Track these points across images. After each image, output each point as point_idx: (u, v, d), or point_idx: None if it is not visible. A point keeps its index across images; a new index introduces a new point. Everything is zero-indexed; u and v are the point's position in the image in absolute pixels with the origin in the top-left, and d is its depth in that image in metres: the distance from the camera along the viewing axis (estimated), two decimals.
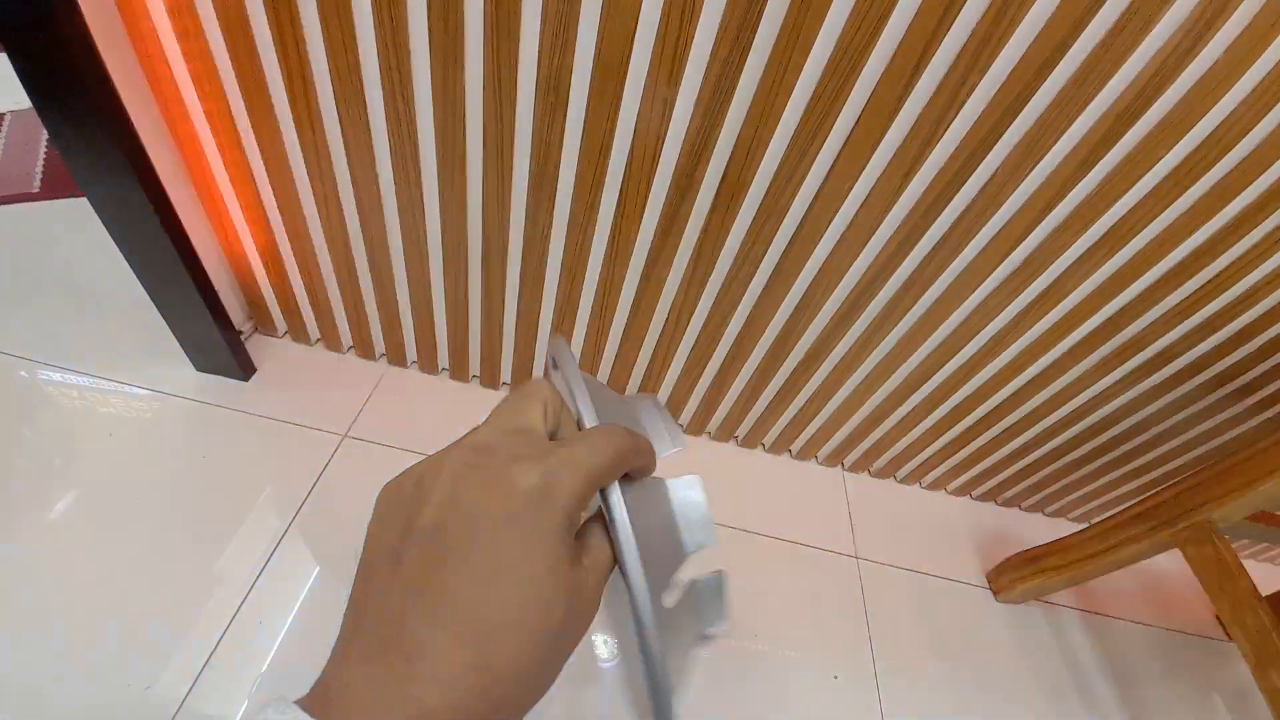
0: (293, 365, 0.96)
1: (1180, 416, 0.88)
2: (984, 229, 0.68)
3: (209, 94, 0.67)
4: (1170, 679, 0.97)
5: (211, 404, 0.88)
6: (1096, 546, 0.85)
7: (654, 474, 0.24)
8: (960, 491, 1.11)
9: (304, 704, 0.18)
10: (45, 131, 0.71)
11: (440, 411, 0.96)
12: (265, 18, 0.60)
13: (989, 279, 0.74)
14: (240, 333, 0.92)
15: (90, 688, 0.64)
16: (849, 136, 0.61)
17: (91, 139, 0.63)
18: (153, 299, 0.81)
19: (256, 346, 0.95)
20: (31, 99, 0.60)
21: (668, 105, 0.60)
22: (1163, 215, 0.65)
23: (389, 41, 0.60)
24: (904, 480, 1.11)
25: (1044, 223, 0.67)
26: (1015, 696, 0.88)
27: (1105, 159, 0.61)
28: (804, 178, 0.65)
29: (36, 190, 1.08)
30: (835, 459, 1.08)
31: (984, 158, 0.62)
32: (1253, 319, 0.73)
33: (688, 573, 0.24)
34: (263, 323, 0.97)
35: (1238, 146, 0.58)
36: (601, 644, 0.78)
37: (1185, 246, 0.67)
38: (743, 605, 0.87)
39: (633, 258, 0.76)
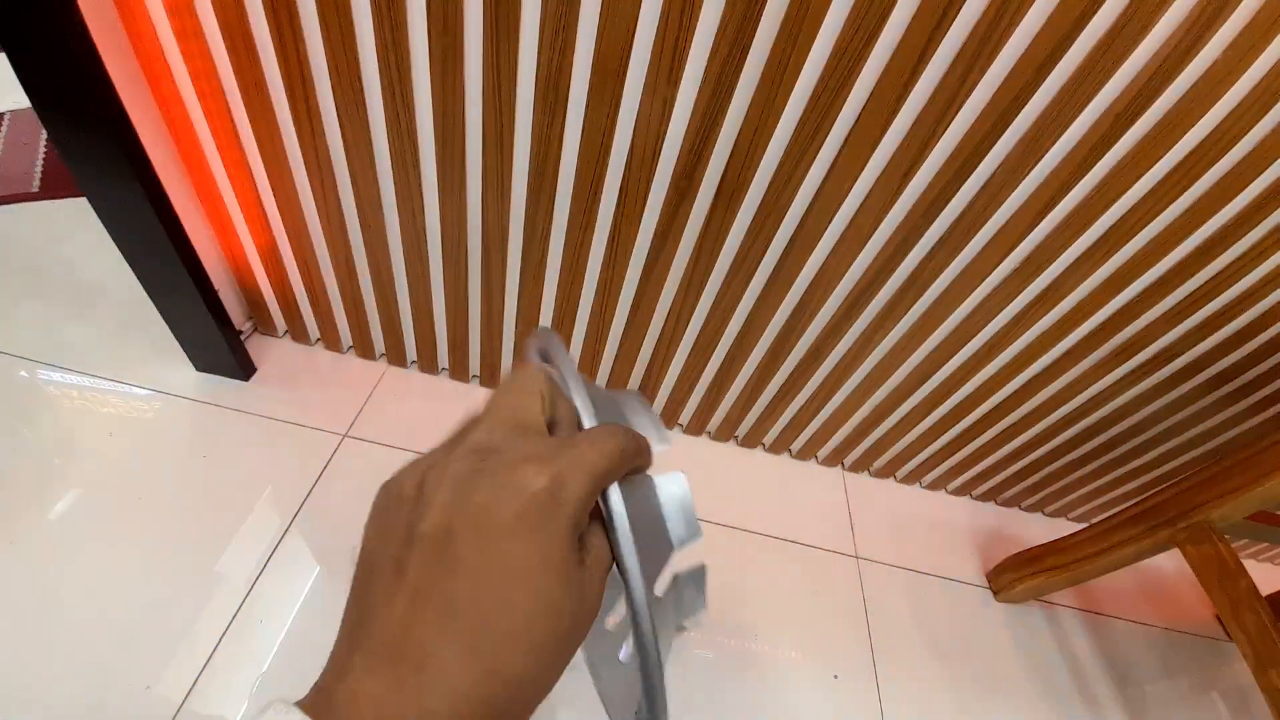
0: (293, 365, 0.96)
1: (1180, 416, 0.88)
2: (984, 229, 0.69)
3: (208, 93, 0.67)
4: (1170, 678, 0.97)
5: (211, 404, 0.88)
6: (1096, 546, 0.85)
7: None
8: (960, 491, 1.11)
9: (305, 710, 0.17)
10: (44, 131, 0.71)
11: (440, 412, 0.96)
12: (264, 17, 0.60)
13: (989, 279, 0.74)
14: (240, 332, 0.92)
15: (90, 688, 0.64)
16: (849, 136, 0.61)
17: (91, 139, 0.63)
18: (152, 299, 0.81)
19: (256, 346, 0.95)
20: (30, 98, 0.60)
21: (667, 105, 0.60)
22: (1162, 215, 0.65)
23: (388, 41, 0.60)
24: (904, 480, 1.11)
25: (1043, 222, 0.67)
26: (1015, 696, 0.88)
27: (1104, 159, 0.61)
28: (804, 177, 0.65)
29: (36, 190, 1.08)
30: (835, 459, 1.08)
31: (983, 158, 0.62)
32: (1252, 319, 0.73)
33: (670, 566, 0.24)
34: (263, 322, 0.97)
35: (1237, 146, 0.58)
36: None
37: (1185, 246, 0.67)
38: (742, 605, 0.87)
39: (632, 257, 0.76)
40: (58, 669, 0.64)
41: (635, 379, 0.96)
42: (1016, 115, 0.58)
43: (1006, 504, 1.13)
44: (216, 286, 0.82)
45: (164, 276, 0.77)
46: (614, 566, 0.22)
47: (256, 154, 0.72)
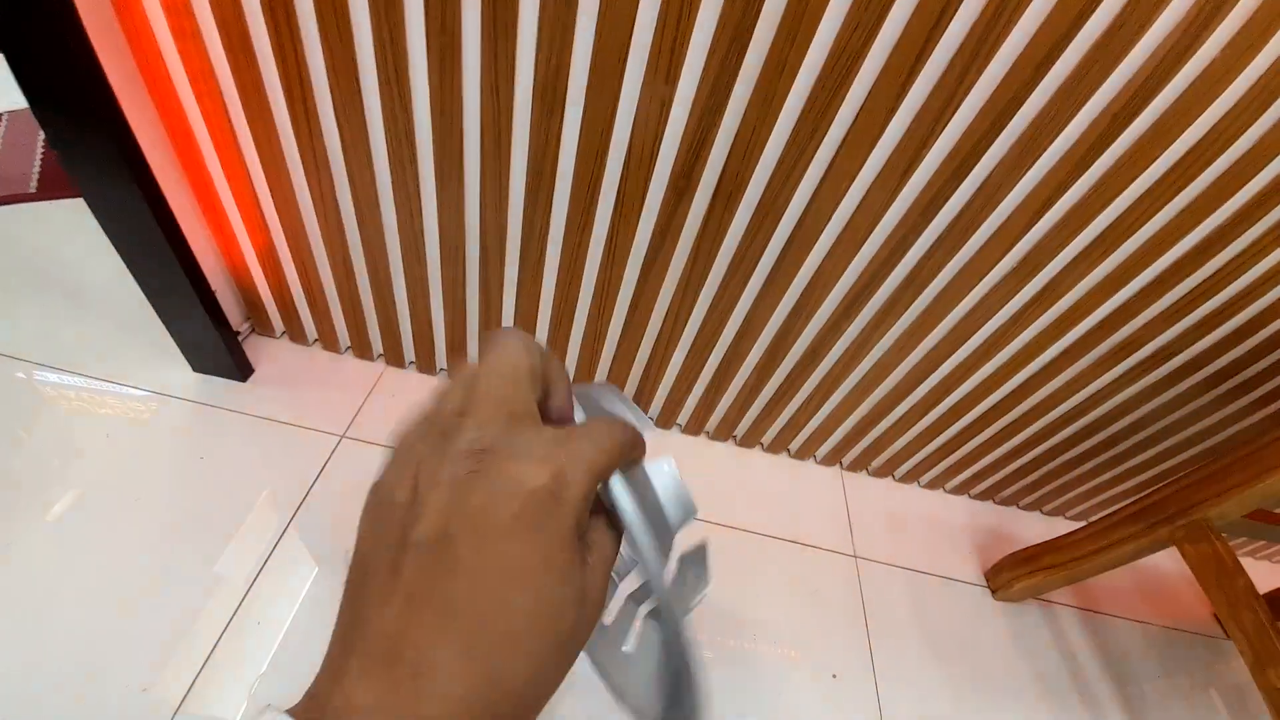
0: (290, 366, 0.96)
1: (1177, 414, 0.89)
2: (981, 228, 0.69)
3: (205, 94, 0.67)
4: (1167, 676, 0.97)
5: (209, 405, 0.88)
6: (1094, 545, 0.85)
7: None
8: (958, 490, 1.11)
9: (298, 718, 0.17)
10: (42, 132, 0.71)
11: None
12: (262, 17, 0.60)
13: (987, 278, 0.74)
14: (238, 333, 0.92)
15: (89, 688, 0.64)
16: (847, 135, 0.61)
17: (88, 139, 0.63)
18: (150, 299, 0.80)
19: (254, 347, 0.95)
20: (27, 99, 0.60)
21: (665, 104, 0.60)
22: (1160, 214, 0.65)
23: (386, 40, 0.59)
24: (902, 479, 1.11)
25: (1041, 221, 0.67)
26: (1013, 694, 0.88)
27: (1102, 158, 0.61)
28: (802, 176, 0.66)
29: (33, 191, 1.08)
30: (833, 458, 1.08)
31: (981, 157, 0.62)
32: (1250, 316, 0.73)
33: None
34: (260, 323, 0.97)
35: (1235, 144, 0.58)
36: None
37: (1182, 245, 0.67)
38: (741, 604, 0.87)
39: (630, 257, 0.76)
40: (55, 670, 0.64)
41: (633, 379, 0.96)
42: (1014, 114, 0.58)
43: (1005, 502, 1.13)
44: (214, 287, 0.82)
45: (161, 277, 0.77)
46: (613, 564, 0.22)
47: (254, 154, 0.72)
